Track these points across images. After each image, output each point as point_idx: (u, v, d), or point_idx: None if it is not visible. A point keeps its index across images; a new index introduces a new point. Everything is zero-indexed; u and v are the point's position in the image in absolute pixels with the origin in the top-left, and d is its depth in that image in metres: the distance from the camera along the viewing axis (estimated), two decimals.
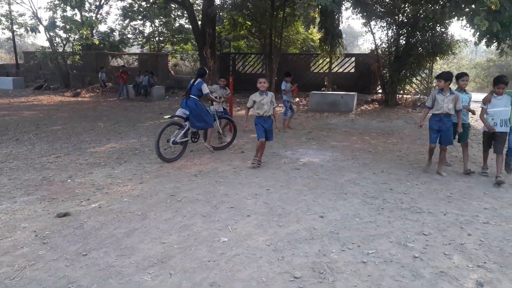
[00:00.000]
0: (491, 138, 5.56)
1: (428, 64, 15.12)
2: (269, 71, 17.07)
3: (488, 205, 4.52)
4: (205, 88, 6.75)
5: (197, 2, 22.76)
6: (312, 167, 6.13)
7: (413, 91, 15.81)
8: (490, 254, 3.32)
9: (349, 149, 7.49)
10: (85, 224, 3.92)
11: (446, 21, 12.85)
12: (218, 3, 18.29)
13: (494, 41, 7.45)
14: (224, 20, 19.85)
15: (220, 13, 17.76)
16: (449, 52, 14.10)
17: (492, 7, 6.28)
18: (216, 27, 18.43)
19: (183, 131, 6.64)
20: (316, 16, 16.07)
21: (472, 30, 7.64)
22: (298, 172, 5.87)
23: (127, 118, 11.76)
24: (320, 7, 11.32)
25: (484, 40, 7.37)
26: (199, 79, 6.81)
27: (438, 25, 13.34)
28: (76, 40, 20.55)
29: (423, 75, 15.65)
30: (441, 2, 10.04)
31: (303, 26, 19.83)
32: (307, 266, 3.08)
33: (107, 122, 10.86)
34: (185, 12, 19.83)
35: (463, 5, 7.38)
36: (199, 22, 17.17)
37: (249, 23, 18.84)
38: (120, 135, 8.99)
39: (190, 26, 19.16)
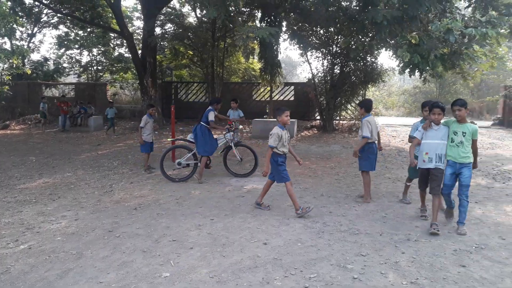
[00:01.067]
0: (427, 176, 4.77)
1: (361, 92, 16.12)
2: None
3: (419, 223, 4.82)
4: (210, 116, 6.96)
5: (136, 31, 22.59)
6: (256, 193, 6.18)
7: (348, 117, 16.67)
8: (422, 270, 3.53)
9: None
10: (12, 268, 3.61)
11: (376, 52, 13.90)
12: (159, 32, 18.30)
13: (416, 70, 8.17)
14: (166, 50, 19.85)
15: (161, 43, 17.76)
16: (380, 80, 15.18)
17: (413, 41, 6.93)
18: (157, 56, 18.35)
19: (189, 154, 7.12)
20: (256, 47, 16.61)
21: (397, 61, 8.34)
22: (243, 199, 5.90)
23: (62, 151, 11.16)
24: (258, 38, 11.78)
25: (407, 70, 8.06)
26: (210, 107, 7.12)
27: (369, 55, 14.37)
28: (6, 70, 19.39)
29: (357, 102, 16.62)
30: (370, 35, 10.89)
31: (243, 57, 20.37)
32: None
33: (40, 156, 10.23)
34: (125, 41, 19.57)
35: (387, 39, 8.08)
36: (139, 51, 17.01)
37: (191, 52, 19.00)
38: (54, 169, 8.49)
39: (130, 55, 18.90)
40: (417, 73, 9.24)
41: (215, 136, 7.29)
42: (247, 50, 15.28)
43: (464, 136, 4.44)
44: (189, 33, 17.33)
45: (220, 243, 4.15)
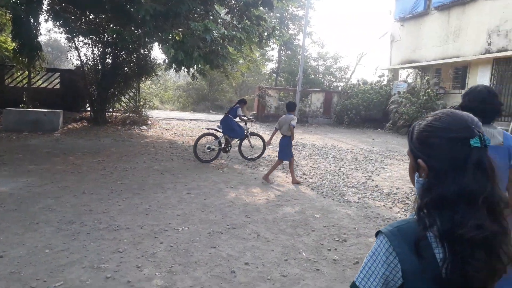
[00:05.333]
0: None
1: (135, 84, 15.83)
2: None
3: (180, 211, 5.05)
4: (239, 111, 8.72)
5: None
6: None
7: (122, 109, 16.13)
8: (177, 257, 3.68)
9: (49, 172, 6.78)
10: None
11: (149, 45, 13.86)
12: None
13: (183, 67, 8.56)
14: None
15: None
16: (153, 74, 15.26)
17: (177, 37, 7.18)
18: None
19: (217, 140, 8.51)
20: (7, 22, 13.97)
21: (165, 56, 8.52)
22: None
23: None
24: (9, 12, 9.88)
25: (173, 66, 8.34)
26: (237, 105, 8.87)
27: (142, 48, 14.19)
28: None
29: (131, 94, 16.24)
30: (142, 27, 10.72)
31: None
32: None
33: None
34: None
35: (153, 33, 8.13)
36: None
37: None
38: None
39: None
40: (186, 70, 9.70)
41: None
42: None
43: None
44: None
45: None
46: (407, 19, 19.17)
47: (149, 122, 14.93)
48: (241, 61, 12.27)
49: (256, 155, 9.24)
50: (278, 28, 11.61)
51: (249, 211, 5.22)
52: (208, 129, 8.93)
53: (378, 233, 1.11)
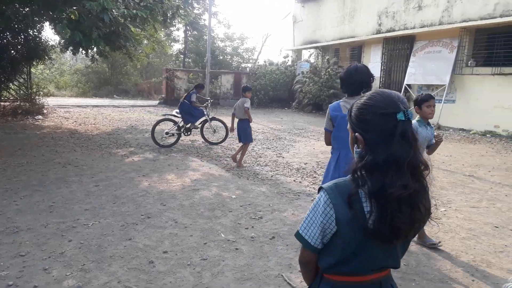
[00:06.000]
0: None
1: (25, 69, 14.20)
2: None
3: (88, 205, 4.73)
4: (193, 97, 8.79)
5: None
6: None
7: (12, 98, 14.41)
8: (90, 254, 3.46)
9: None
10: None
11: (38, 25, 12.44)
12: None
13: (81, 49, 7.88)
14: None
15: None
16: (46, 57, 13.81)
17: (72, 16, 6.56)
18: None
19: (175, 125, 8.67)
20: None
21: (59, 37, 7.74)
22: None
23: None
24: None
25: (70, 47, 7.64)
26: (194, 90, 8.93)
27: (31, 28, 12.69)
28: None
29: (21, 81, 14.54)
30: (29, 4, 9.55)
31: None
32: None
33: None
34: None
35: (42, 11, 7.31)
36: None
37: None
38: None
39: None
40: (84, 52, 8.95)
41: None
42: None
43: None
44: None
45: None
46: (307, 0, 19.98)
47: (44, 111, 13.59)
48: (145, 41, 11.70)
49: (220, 140, 9.38)
50: (182, 7, 11.27)
51: (165, 199, 5.11)
52: (165, 115, 9.28)
53: (320, 189, 1.31)
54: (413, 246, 3.79)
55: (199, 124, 9.33)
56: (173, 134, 8.79)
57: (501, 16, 11.12)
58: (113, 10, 6.90)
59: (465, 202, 3.52)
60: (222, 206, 4.91)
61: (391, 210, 1.17)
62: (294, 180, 6.29)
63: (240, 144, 7.25)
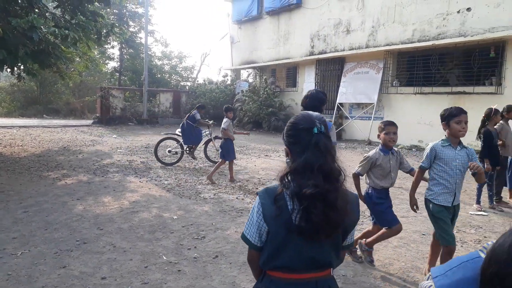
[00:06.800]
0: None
1: None
2: None
3: (16, 233, 4.40)
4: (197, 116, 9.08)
5: None
6: None
7: None
8: (19, 285, 3.22)
9: None
10: None
11: None
12: None
13: (5, 66, 7.37)
14: None
15: None
16: None
17: None
18: None
19: (178, 144, 8.96)
20: None
21: None
22: None
23: None
24: None
25: None
26: (195, 111, 9.21)
27: None
28: None
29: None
30: None
31: None
32: None
33: None
34: None
35: None
36: None
37: None
38: None
39: None
40: (8, 70, 8.38)
41: None
42: None
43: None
44: None
45: None
46: (243, 22, 20.52)
47: None
48: (78, 59, 11.24)
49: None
50: (117, 25, 11.03)
51: (102, 223, 4.89)
52: (168, 133, 9.45)
53: (257, 194, 1.54)
54: (349, 257, 4.00)
55: (203, 144, 9.46)
56: (176, 152, 8.99)
57: (418, 41, 12.26)
58: (42, 28, 6.57)
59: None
60: (163, 227, 4.81)
61: (307, 206, 1.38)
62: (237, 198, 6.34)
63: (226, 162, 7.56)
